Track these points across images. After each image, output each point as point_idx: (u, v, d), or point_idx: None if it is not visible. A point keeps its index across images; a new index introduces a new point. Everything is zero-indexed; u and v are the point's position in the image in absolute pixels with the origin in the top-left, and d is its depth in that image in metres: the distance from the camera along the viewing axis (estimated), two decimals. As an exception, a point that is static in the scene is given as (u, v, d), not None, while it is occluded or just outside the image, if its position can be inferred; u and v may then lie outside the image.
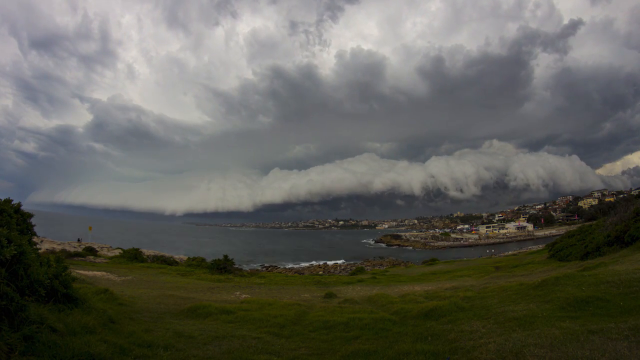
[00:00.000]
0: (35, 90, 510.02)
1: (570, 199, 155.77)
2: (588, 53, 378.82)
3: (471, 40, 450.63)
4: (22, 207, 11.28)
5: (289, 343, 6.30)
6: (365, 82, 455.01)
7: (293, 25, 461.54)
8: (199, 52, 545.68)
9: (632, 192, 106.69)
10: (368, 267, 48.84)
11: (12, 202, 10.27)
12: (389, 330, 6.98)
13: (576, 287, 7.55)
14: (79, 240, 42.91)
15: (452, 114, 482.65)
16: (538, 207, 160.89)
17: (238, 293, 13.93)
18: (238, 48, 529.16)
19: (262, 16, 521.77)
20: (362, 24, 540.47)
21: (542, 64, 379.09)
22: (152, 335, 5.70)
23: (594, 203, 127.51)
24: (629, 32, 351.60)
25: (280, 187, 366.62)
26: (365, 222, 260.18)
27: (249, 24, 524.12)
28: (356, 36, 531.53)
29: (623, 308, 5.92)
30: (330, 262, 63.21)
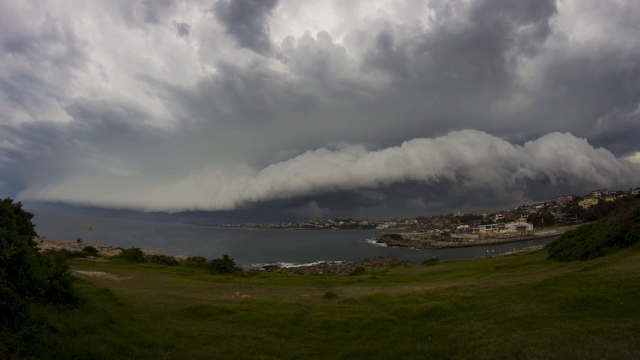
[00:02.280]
0: (16, 90, 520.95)
1: (570, 199, 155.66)
2: (579, 34, 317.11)
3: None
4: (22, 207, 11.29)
5: (289, 343, 6.30)
6: (318, 75, 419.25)
7: (219, 7, 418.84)
8: (158, 51, 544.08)
9: (632, 192, 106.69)
10: (368, 267, 48.86)
11: (12, 202, 10.28)
12: (389, 330, 6.98)
13: (576, 287, 7.55)
14: (78, 240, 42.96)
15: (416, 110, 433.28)
16: (538, 207, 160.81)
17: (238, 293, 13.93)
18: (188, 44, 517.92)
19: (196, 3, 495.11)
20: (312, 9, 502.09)
21: (518, 40, 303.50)
22: (152, 335, 5.69)
23: (594, 203, 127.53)
24: (628, 8, 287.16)
25: (274, 180, 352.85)
26: (365, 222, 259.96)
27: (185, 16, 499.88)
28: (306, 23, 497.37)
29: (623, 308, 5.92)
30: (330, 262, 63.24)
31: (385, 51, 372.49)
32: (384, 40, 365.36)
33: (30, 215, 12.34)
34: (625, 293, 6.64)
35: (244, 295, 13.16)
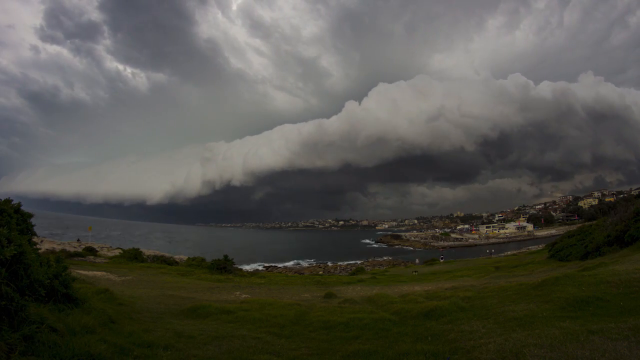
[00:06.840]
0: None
1: (570, 199, 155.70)
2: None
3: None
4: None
5: (289, 343, 6.29)
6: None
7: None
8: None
9: (632, 192, 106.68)
10: (368, 267, 48.86)
11: (12, 202, 10.27)
12: (389, 330, 6.97)
13: (576, 287, 7.54)
14: (78, 240, 42.99)
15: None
16: (538, 207, 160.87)
17: (238, 293, 13.92)
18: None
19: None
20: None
21: None
22: (152, 335, 5.69)
23: (593, 203, 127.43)
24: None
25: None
26: (365, 222, 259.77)
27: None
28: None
29: (623, 308, 5.92)
30: (330, 262, 63.23)
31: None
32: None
33: (30, 215, 12.31)
34: (625, 293, 6.64)
35: (244, 295, 13.16)
